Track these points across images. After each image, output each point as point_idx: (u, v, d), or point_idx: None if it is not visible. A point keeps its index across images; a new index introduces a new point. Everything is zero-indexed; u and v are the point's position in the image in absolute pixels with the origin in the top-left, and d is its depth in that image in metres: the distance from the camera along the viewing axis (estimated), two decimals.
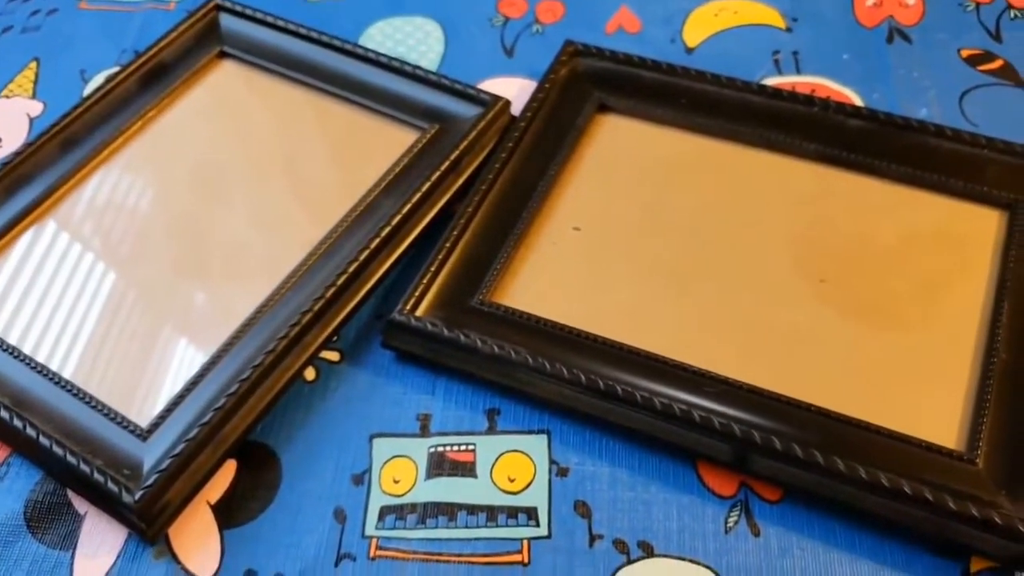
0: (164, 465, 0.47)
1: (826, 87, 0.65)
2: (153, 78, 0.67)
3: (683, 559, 0.46)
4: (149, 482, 0.47)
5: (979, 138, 0.57)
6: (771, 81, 0.65)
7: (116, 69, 0.69)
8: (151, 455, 0.48)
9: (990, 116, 0.62)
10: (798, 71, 0.66)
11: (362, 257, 0.54)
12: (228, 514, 0.49)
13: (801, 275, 0.53)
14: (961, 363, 0.49)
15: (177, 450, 0.47)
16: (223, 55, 0.69)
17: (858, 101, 0.64)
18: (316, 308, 0.52)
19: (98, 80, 0.70)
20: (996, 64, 0.65)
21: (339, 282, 0.53)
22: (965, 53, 0.66)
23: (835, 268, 0.54)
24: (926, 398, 0.48)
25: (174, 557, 0.48)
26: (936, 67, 0.66)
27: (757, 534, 0.47)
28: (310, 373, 0.54)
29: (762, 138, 0.60)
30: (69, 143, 0.63)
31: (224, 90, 0.67)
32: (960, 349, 0.50)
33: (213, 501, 0.49)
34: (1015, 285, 0.51)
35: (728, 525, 0.47)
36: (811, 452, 0.45)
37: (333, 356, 0.54)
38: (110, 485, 0.47)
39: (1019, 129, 0.61)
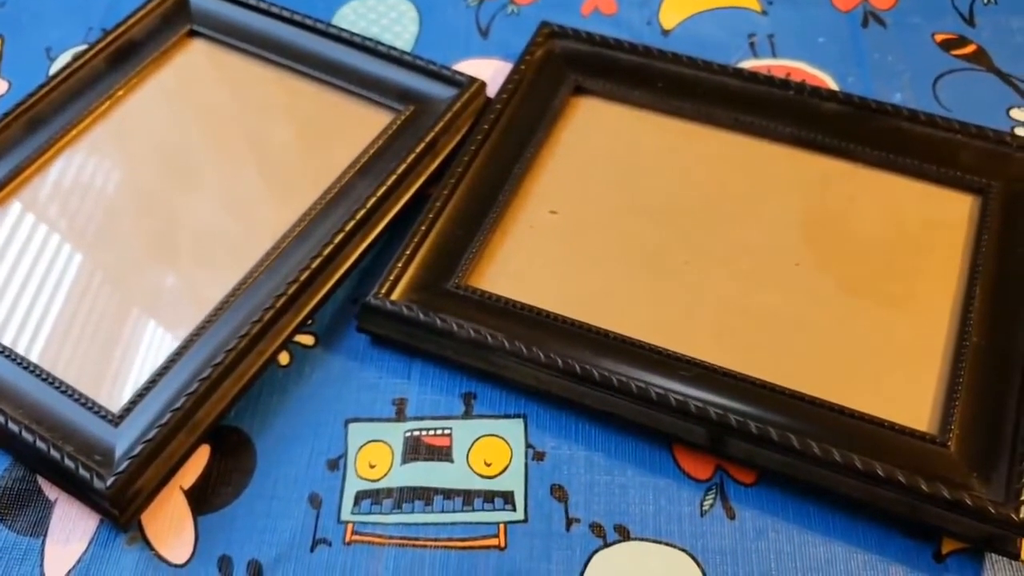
0: (136, 451, 0.46)
1: (801, 70, 0.65)
2: (121, 57, 0.66)
3: (659, 542, 0.46)
4: (121, 468, 0.46)
5: (952, 123, 0.57)
6: (747, 64, 0.65)
7: (83, 47, 0.67)
8: (123, 441, 0.47)
9: (963, 101, 0.63)
10: (774, 54, 0.66)
11: (337, 240, 0.53)
12: (202, 500, 0.49)
13: (776, 259, 0.54)
14: (934, 347, 0.50)
15: (149, 435, 0.47)
16: (193, 34, 0.67)
17: (833, 85, 0.64)
18: (290, 292, 0.51)
19: (65, 58, 0.69)
20: (969, 49, 0.66)
21: (313, 265, 0.52)
22: (939, 38, 0.67)
23: (809, 252, 0.54)
24: (899, 382, 0.49)
25: (147, 543, 0.47)
26: (910, 51, 0.66)
27: (732, 517, 0.47)
28: (284, 357, 0.53)
29: (737, 121, 0.60)
30: (35, 123, 0.62)
31: (194, 70, 0.66)
32: (933, 333, 0.50)
33: (187, 487, 0.49)
34: (987, 269, 0.52)
35: (704, 508, 0.47)
36: (786, 435, 0.45)
37: (308, 340, 0.54)
38: (81, 471, 0.46)
39: (991, 114, 0.62)
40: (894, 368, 0.49)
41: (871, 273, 0.53)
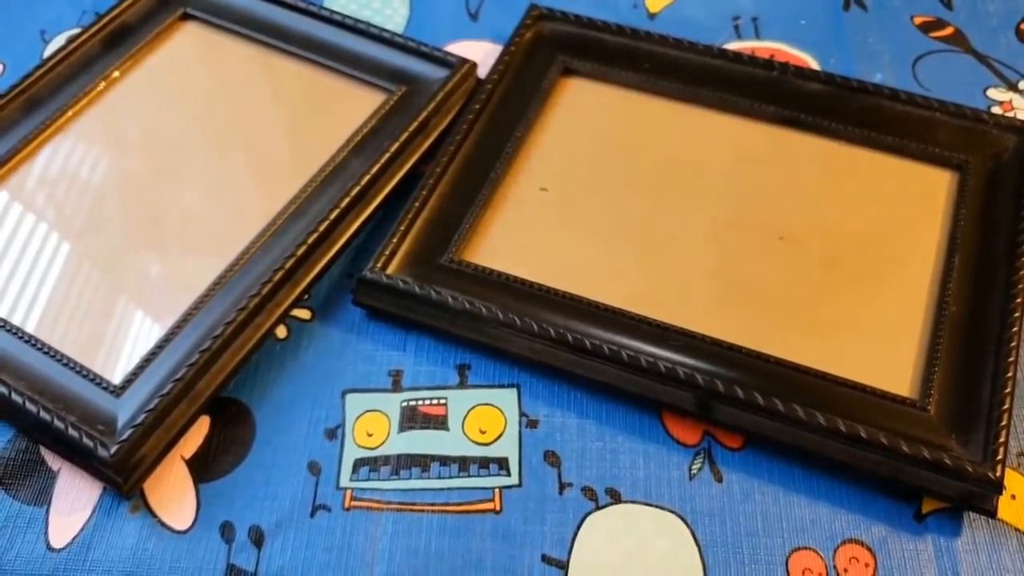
0: (139, 420, 0.47)
1: (784, 52, 0.66)
2: (115, 40, 0.66)
3: (649, 504, 0.48)
4: (124, 436, 0.47)
5: (932, 101, 0.59)
6: (731, 46, 0.66)
7: (78, 30, 0.68)
8: (125, 411, 0.48)
9: (941, 81, 0.64)
10: (757, 36, 0.68)
11: (332, 216, 0.54)
12: (203, 468, 0.50)
13: (761, 233, 0.55)
14: (914, 316, 0.51)
15: (151, 405, 0.48)
16: (186, 17, 0.68)
17: (816, 66, 0.65)
18: (287, 266, 0.53)
19: (59, 41, 0.69)
20: (947, 31, 0.68)
21: (310, 241, 0.53)
22: (918, 20, 0.68)
23: (793, 226, 0.55)
24: (881, 349, 0.50)
25: (150, 511, 0.48)
26: (890, 33, 0.68)
27: (720, 480, 0.48)
28: (282, 331, 0.54)
29: (723, 101, 0.61)
30: (31, 104, 0.63)
31: (188, 52, 0.67)
32: (913, 302, 0.52)
33: (188, 456, 0.50)
34: (965, 242, 0.54)
35: (692, 472, 0.49)
36: (772, 400, 0.47)
37: (305, 314, 0.55)
38: (85, 440, 0.47)
39: (969, 94, 0.63)
40: (876, 336, 0.51)
41: (853, 246, 0.54)
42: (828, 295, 0.52)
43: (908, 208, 0.56)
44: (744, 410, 0.48)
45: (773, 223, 0.55)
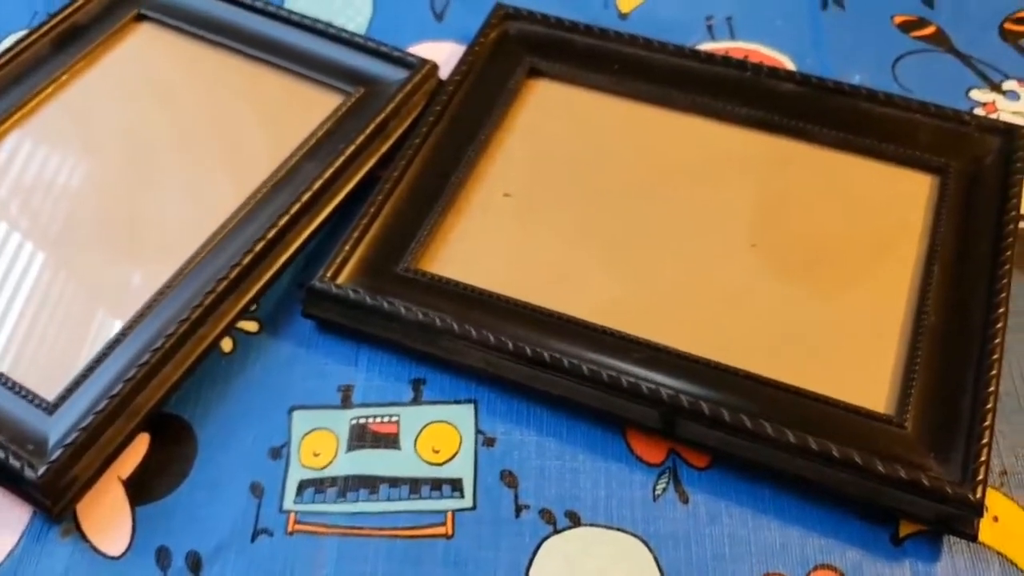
0: (71, 439, 0.45)
1: (759, 53, 0.64)
2: (67, 41, 0.64)
3: (611, 528, 0.45)
4: (54, 457, 0.44)
5: (911, 102, 0.56)
6: (705, 47, 0.64)
7: (27, 31, 0.65)
8: (57, 429, 0.46)
9: (922, 82, 0.62)
10: (732, 36, 0.65)
11: (282, 223, 0.52)
12: (140, 489, 0.47)
13: (732, 240, 0.53)
14: (891, 326, 0.49)
15: (85, 423, 0.45)
16: (141, 17, 0.66)
17: (791, 67, 0.63)
18: (233, 276, 0.50)
19: (8, 42, 0.67)
20: (928, 30, 0.65)
21: (257, 249, 0.51)
22: (898, 19, 0.66)
23: (766, 233, 0.53)
24: (856, 362, 0.48)
25: (82, 535, 0.45)
26: (869, 33, 0.65)
27: (685, 501, 0.46)
28: (227, 344, 0.52)
29: (695, 103, 0.59)
30: None
31: (142, 54, 0.64)
32: (890, 313, 0.49)
33: (124, 476, 0.47)
34: (945, 249, 0.51)
35: (656, 492, 0.46)
36: (739, 416, 0.44)
37: (251, 326, 0.52)
38: (11, 460, 0.44)
39: (951, 95, 0.61)
40: (851, 348, 0.48)
41: (828, 253, 0.52)
42: (801, 305, 0.50)
43: (886, 214, 0.54)
44: (710, 427, 0.45)
45: (745, 230, 0.53)
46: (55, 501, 0.45)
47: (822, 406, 0.45)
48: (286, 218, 0.52)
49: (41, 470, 0.44)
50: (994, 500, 0.45)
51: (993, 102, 0.60)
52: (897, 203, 0.54)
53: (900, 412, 0.45)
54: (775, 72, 0.59)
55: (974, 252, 0.51)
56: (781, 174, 0.56)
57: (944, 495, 0.42)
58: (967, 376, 0.46)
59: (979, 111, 0.60)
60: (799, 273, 0.51)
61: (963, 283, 0.50)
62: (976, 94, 0.61)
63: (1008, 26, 0.65)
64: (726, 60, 0.59)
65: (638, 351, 0.47)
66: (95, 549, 0.45)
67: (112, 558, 0.45)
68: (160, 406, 0.48)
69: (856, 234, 0.53)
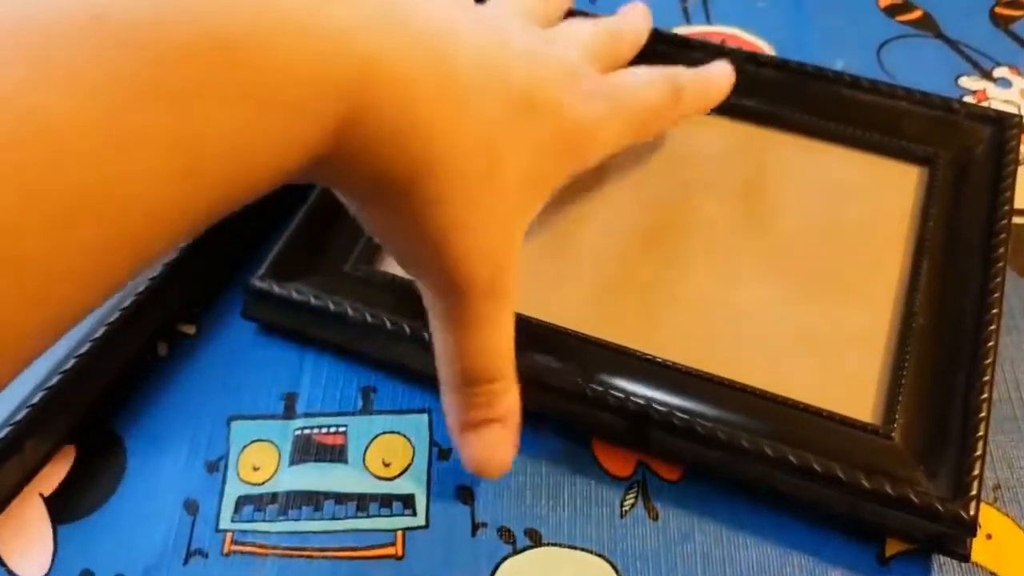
0: None
1: (738, 37, 0.61)
2: None
3: (574, 548, 0.41)
4: None
5: (896, 89, 0.53)
6: (680, 31, 0.61)
7: None
8: None
9: (909, 68, 0.59)
10: (708, 21, 0.62)
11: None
12: (64, 507, 0.43)
13: (706, 236, 0.49)
14: (876, 329, 0.45)
15: (1, 435, 0.41)
16: None
17: (771, 52, 0.60)
18: (168, 272, 0.46)
19: None
20: (915, 14, 0.62)
21: (193, 243, 0.47)
22: (884, 3, 0.63)
23: (743, 229, 0.49)
24: (839, 368, 0.44)
25: None
26: (853, 17, 0.62)
27: (655, 517, 0.42)
28: (162, 348, 0.48)
29: None
30: None
31: None
32: (876, 314, 0.46)
33: (47, 493, 0.43)
34: (934, 245, 0.48)
35: (624, 508, 0.42)
36: (712, 427, 0.41)
37: (189, 329, 0.49)
38: None
39: (940, 82, 0.58)
40: (834, 353, 0.45)
41: (810, 251, 0.49)
42: (780, 307, 0.46)
43: (871, 207, 0.50)
44: (682, 438, 0.41)
45: (720, 225, 0.50)
46: None
47: (802, 415, 0.42)
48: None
49: None
50: (987, 516, 0.42)
51: (984, 90, 0.57)
52: (882, 195, 0.50)
53: (887, 421, 0.42)
54: (753, 57, 0.55)
55: (964, 248, 0.47)
56: (760, 166, 0.52)
57: (934, 512, 0.39)
58: (958, 382, 0.43)
59: (969, 99, 0.56)
60: (776, 272, 0.48)
61: (953, 282, 0.46)
62: (965, 81, 0.58)
63: (999, 10, 0.62)
64: (702, 44, 0.56)
65: (605, 356, 0.44)
66: (11, 573, 0.41)
67: None
68: (86, 416, 0.45)
69: (839, 230, 0.49)
